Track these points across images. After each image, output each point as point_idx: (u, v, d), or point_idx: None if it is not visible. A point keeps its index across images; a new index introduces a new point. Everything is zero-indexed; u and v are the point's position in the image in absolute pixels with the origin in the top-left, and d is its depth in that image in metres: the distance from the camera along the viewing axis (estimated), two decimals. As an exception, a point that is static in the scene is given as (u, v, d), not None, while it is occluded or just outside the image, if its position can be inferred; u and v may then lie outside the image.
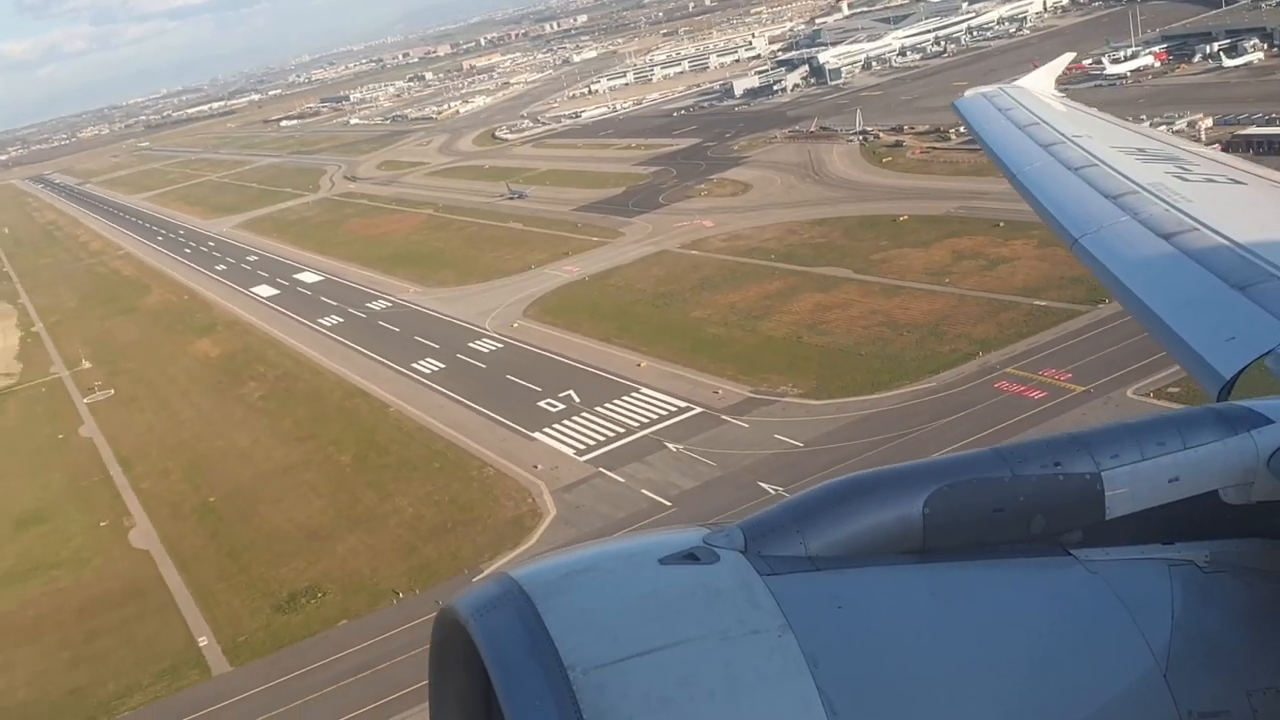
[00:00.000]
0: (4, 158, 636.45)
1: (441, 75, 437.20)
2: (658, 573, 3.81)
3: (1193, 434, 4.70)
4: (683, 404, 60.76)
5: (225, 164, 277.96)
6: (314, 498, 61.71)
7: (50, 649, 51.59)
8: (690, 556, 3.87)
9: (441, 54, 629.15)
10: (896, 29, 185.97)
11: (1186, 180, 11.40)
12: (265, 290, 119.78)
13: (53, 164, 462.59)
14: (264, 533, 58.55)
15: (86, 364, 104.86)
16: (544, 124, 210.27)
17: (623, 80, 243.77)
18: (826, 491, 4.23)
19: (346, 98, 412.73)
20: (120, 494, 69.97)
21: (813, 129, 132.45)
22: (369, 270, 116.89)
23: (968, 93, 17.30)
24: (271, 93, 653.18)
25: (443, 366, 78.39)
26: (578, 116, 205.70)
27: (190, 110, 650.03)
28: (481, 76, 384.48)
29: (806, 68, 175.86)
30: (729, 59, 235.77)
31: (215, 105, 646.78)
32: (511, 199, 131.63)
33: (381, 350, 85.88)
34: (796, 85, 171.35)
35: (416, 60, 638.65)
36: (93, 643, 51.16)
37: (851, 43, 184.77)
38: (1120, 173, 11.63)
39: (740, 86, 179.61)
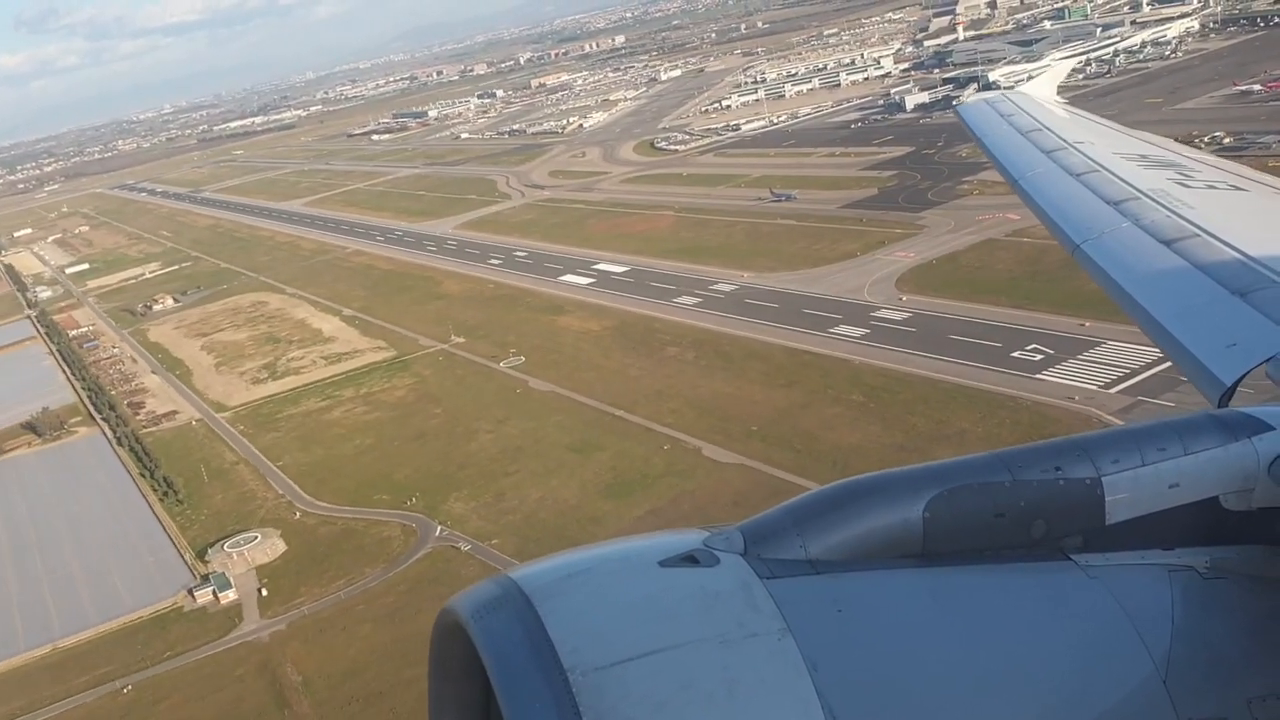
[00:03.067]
0: (49, 169, 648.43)
1: (511, 92, 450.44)
2: (657, 575, 3.90)
3: (1193, 440, 4.78)
4: (1165, 349, 76.31)
5: (356, 174, 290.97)
6: (861, 425, 76.86)
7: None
8: (690, 559, 3.98)
9: (481, 72, 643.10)
10: (1049, 51, 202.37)
11: (1188, 186, 11.44)
12: (576, 279, 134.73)
13: (121, 175, 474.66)
14: (846, 449, 73.53)
15: (459, 338, 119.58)
16: (699, 135, 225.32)
17: (753, 96, 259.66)
18: (826, 494, 4.37)
19: (425, 114, 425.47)
20: (647, 427, 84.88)
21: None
22: (670, 261, 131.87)
23: (970, 98, 18.78)
24: (312, 108, 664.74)
25: (867, 331, 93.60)
26: (738, 129, 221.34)
27: (233, 124, 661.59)
28: (561, 94, 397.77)
29: (976, 85, 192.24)
30: (859, 77, 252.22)
31: (257, 120, 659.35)
32: (777, 201, 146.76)
33: (780, 320, 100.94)
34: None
35: (457, 78, 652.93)
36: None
37: (1008, 63, 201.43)
38: (1122, 179, 11.69)
39: (911, 101, 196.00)
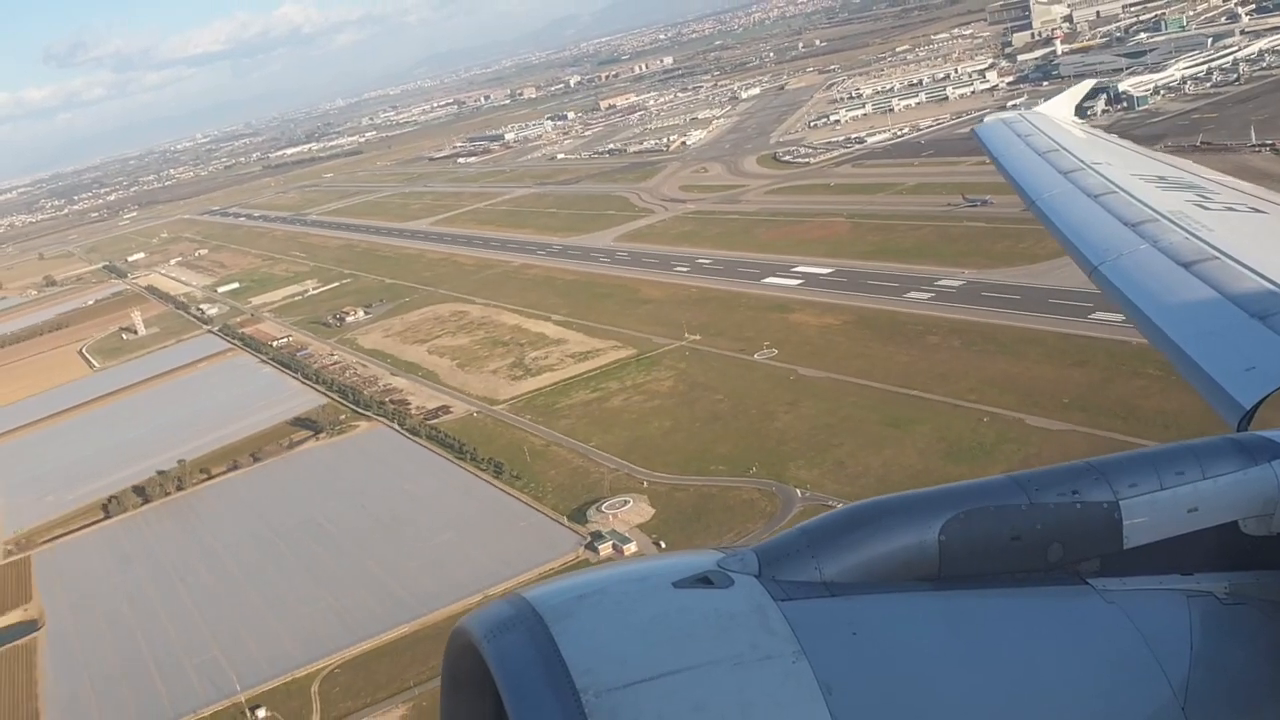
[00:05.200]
0: (111, 198, 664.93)
1: (582, 114, 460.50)
2: (671, 596, 3.95)
3: (1212, 464, 4.82)
4: None
5: (466, 195, 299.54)
6: (1173, 395, 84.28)
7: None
8: (704, 580, 4.05)
9: (531, 96, 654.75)
10: (1170, 60, 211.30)
11: (1207, 209, 11.71)
12: (781, 281, 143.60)
13: (197, 202, 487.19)
14: (1173, 414, 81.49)
15: (694, 335, 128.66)
16: (821, 149, 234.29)
17: (861, 111, 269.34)
18: (842, 517, 4.46)
19: (501, 136, 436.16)
20: (952, 404, 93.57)
21: (1198, 144, 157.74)
22: (873, 261, 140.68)
23: (987, 119, 18.42)
24: (367, 134, 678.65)
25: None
26: (863, 141, 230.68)
27: (290, 151, 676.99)
28: (639, 114, 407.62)
29: (1106, 95, 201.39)
30: (965, 90, 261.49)
31: (313, 147, 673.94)
32: (971, 206, 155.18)
33: (1029, 309, 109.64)
34: (1105, 110, 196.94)
35: (508, 101, 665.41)
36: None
37: (1132, 73, 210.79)
38: (1140, 200, 11.97)
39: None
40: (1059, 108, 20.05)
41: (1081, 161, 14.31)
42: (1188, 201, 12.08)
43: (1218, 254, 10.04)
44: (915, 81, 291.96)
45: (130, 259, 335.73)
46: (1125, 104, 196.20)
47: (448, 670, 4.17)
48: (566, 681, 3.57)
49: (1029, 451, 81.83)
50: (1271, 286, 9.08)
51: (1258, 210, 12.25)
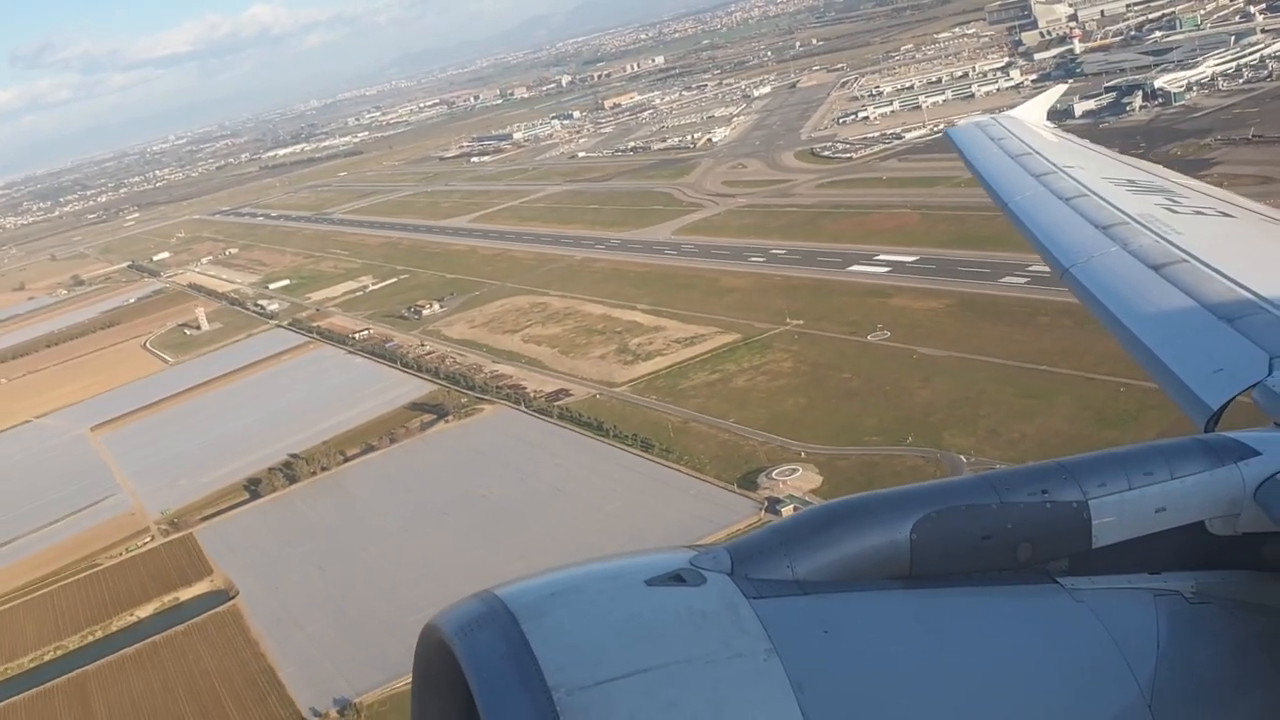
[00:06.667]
0: (103, 199, 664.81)
1: (586, 113, 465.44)
2: (644, 594, 4.02)
3: (1180, 464, 5.00)
4: None
5: (494, 193, 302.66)
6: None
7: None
8: (676, 578, 4.12)
9: (523, 95, 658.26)
10: (1200, 58, 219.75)
11: (1176, 212, 11.91)
12: (868, 269, 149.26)
13: (201, 203, 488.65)
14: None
15: (796, 320, 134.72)
16: (859, 144, 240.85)
17: (889, 108, 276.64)
18: (814, 515, 4.59)
19: (509, 135, 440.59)
20: (1083, 376, 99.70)
21: (1250, 137, 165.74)
22: (956, 250, 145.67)
23: (960, 122, 19.25)
24: (360, 135, 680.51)
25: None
26: (901, 137, 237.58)
27: (282, 152, 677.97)
28: (648, 113, 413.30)
29: (1141, 92, 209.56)
30: (991, 88, 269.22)
31: (306, 147, 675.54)
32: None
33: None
34: (1143, 106, 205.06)
35: (500, 101, 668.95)
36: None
37: (1163, 70, 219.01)
38: (1111, 203, 12.16)
39: (1079, 108, 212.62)
40: (1031, 112, 20.86)
41: (1053, 165, 14.60)
42: (1157, 205, 12.34)
43: (1187, 257, 10.25)
44: (935, 79, 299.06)
45: (155, 258, 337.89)
46: (1162, 100, 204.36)
47: (419, 669, 4.25)
48: (538, 679, 3.66)
49: (1177, 416, 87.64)
50: (1239, 290, 9.27)
51: (1226, 214, 12.50)
